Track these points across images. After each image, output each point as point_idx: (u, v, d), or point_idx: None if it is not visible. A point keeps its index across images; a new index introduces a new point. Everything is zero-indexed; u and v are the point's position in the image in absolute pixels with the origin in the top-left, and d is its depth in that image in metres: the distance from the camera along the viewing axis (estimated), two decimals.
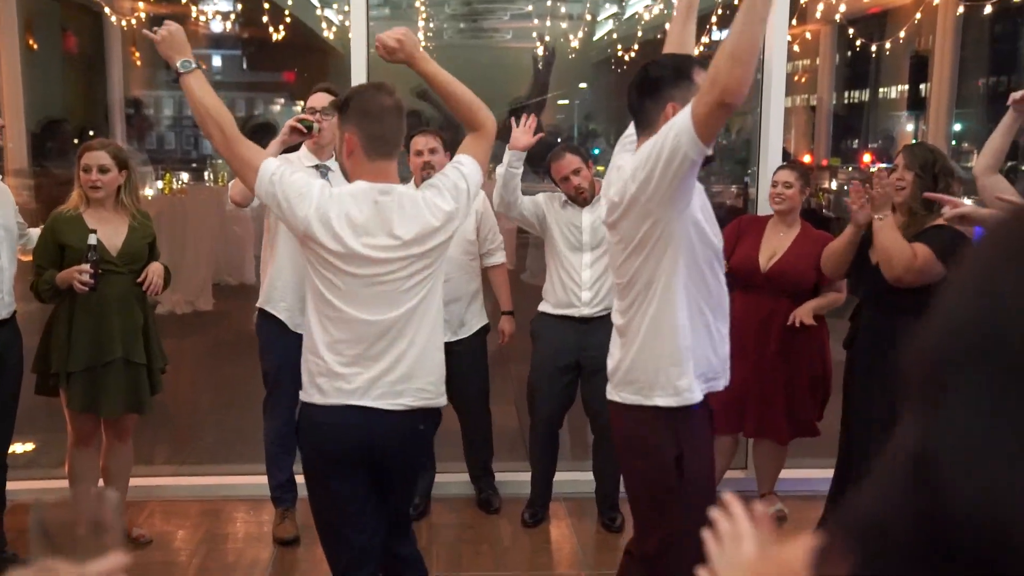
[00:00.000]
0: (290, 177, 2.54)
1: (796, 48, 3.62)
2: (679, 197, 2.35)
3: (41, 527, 0.93)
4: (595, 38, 10.44)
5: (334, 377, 2.56)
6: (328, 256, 2.52)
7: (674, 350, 2.48)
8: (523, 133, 3.94)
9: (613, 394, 2.61)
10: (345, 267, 2.54)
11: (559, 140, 3.76)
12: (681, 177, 2.29)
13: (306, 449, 2.72)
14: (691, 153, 2.21)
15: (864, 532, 0.67)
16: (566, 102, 10.37)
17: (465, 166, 2.64)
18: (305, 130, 3.79)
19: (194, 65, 2.64)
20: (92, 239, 3.58)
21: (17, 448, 3.81)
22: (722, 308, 2.60)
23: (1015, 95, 3.37)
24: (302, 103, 10.74)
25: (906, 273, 3.28)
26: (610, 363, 2.63)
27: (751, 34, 2.13)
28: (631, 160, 2.45)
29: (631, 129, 2.66)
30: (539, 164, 4.69)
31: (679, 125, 2.21)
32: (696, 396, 2.51)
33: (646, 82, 2.44)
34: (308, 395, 2.63)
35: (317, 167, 3.92)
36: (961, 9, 6.76)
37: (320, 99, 3.97)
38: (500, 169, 3.99)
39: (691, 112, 2.17)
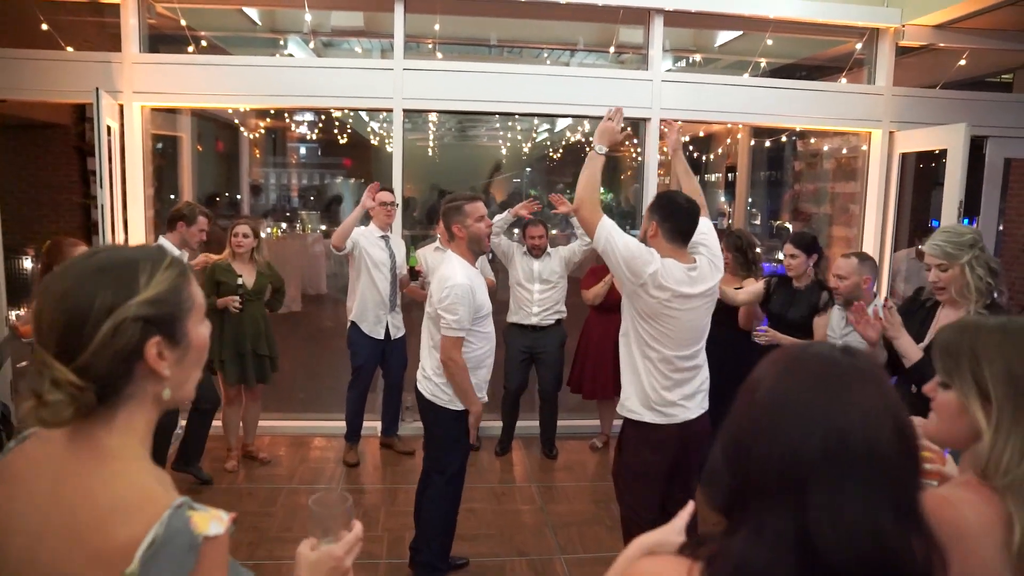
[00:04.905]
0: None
1: (659, 155, 3.90)
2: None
3: (314, 508, 0.91)
4: (537, 141, 10.44)
5: None
6: None
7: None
8: (522, 207, 3.88)
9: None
10: None
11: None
12: None
13: None
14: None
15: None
16: (518, 180, 10.50)
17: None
18: (414, 279, 3.76)
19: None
20: (240, 280, 3.57)
21: None
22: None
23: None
24: (353, 180, 10.61)
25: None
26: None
27: (585, 188, 2.22)
28: None
29: None
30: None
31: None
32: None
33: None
34: None
35: (383, 237, 3.80)
36: (753, 142, 7.07)
37: (386, 196, 3.78)
38: (502, 215, 3.93)
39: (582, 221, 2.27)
